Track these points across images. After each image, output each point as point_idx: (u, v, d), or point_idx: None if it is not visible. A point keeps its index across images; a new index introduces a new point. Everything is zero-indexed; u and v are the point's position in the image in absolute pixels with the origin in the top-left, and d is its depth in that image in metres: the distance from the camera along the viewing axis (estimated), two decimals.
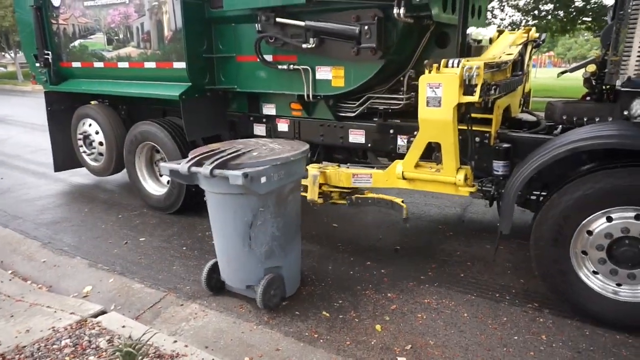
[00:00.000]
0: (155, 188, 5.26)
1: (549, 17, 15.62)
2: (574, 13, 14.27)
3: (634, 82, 2.59)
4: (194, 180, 3.08)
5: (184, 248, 4.36)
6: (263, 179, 2.86)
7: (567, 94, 11.87)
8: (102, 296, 3.53)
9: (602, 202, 2.69)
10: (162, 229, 4.88)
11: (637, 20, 2.61)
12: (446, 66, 3.07)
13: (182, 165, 2.98)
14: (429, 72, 3.08)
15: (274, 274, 3.18)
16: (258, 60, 4.29)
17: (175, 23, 4.42)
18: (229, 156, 2.99)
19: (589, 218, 2.74)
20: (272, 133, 4.82)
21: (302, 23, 3.90)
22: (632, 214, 2.65)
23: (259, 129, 4.92)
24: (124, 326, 2.84)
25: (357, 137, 4.32)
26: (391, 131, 4.12)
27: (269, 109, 4.78)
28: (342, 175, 3.78)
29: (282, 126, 4.75)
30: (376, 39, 3.63)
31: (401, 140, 4.10)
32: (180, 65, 4.49)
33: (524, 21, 16.62)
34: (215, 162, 2.88)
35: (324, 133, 4.47)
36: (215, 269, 3.43)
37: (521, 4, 16.90)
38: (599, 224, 2.75)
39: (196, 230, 4.78)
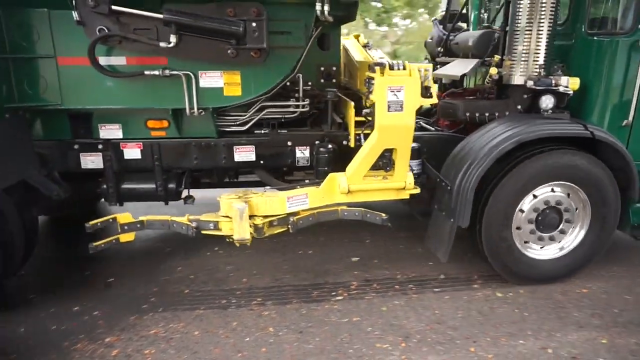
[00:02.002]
0: None
1: None
2: None
3: (542, 81, 3.15)
4: None
5: None
6: None
7: None
8: None
9: (532, 184, 3.19)
10: None
11: (535, 30, 3.17)
12: (391, 69, 2.94)
13: None
14: (382, 74, 2.87)
15: None
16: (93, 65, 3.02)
17: None
18: None
19: (524, 198, 3.21)
20: (115, 164, 3.52)
21: (158, 15, 2.93)
22: (549, 188, 3.25)
23: (92, 161, 3.51)
24: None
25: (245, 154, 3.65)
26: (289, 143, 3.67)
27: (111, 131, 3.47)
28: (275, 201, 3.13)
29: (132, 152, 3.53)
30: (265, 39, 3.09)
31: (300, 152, 3.72)
32: None
33: None
34: None
35: (198, 155, 3.58)
36: None
37: None
38: (528, 201, 3.26)
39: None
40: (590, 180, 3.21)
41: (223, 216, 3.15)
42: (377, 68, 2.89)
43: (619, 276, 3.69)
